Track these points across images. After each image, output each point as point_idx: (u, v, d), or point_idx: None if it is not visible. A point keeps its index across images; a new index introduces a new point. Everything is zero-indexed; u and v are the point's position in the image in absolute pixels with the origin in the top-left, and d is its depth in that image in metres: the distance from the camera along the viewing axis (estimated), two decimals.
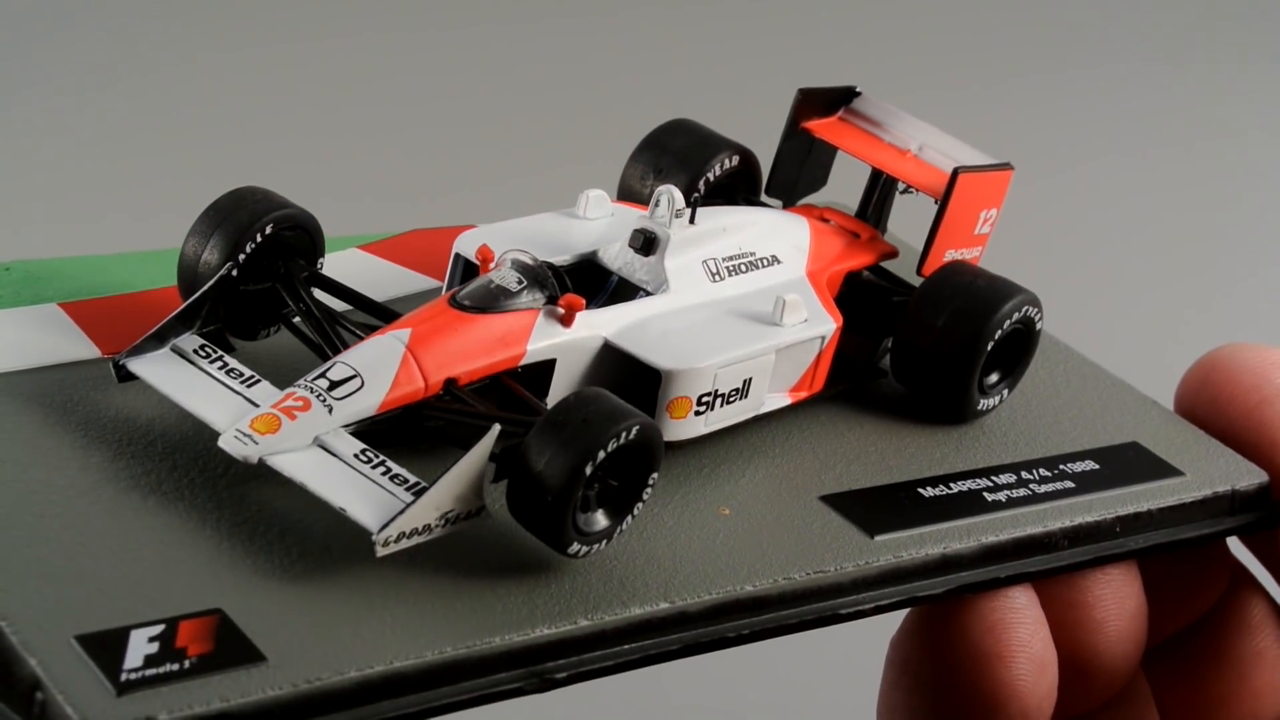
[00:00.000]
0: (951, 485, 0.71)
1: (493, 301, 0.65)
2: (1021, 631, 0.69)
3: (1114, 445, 0.76)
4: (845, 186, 0.82)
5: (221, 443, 0.60)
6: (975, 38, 1.59)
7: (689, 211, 0.70)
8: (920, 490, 0.70)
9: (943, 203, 0.76)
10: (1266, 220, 1.57)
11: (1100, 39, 1.63)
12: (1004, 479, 0.72)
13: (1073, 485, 0.72)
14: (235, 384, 0.63)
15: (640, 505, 0.62)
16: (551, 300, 0.65)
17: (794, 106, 0.80)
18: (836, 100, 0.81)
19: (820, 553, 0.65)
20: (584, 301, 0.66)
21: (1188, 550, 0.75)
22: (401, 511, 0.58)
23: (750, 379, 0.68)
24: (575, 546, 0.60)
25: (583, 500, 0.60)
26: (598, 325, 0.67)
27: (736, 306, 0.70)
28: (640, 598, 0.61)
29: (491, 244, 0.67)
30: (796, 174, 0.81)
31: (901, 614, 0.72)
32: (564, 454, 0.58)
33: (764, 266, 0.73)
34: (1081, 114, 1.55)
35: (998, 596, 0.69)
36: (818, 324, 0.71)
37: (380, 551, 0.58)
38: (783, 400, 0.71)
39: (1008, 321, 0.73)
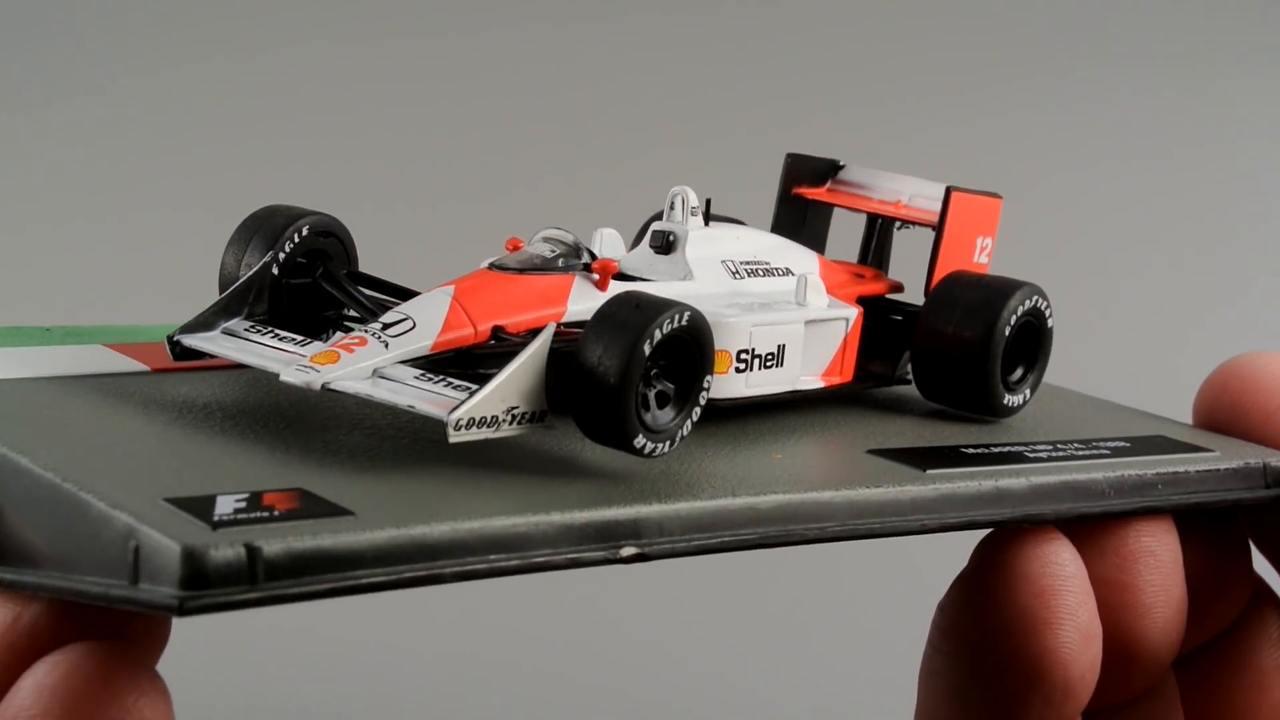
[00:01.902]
0: (992, 448, 0.72)
1: (530, 266, 0.67)
2: (1069, 599, 0.69)
3: (1143, 435, 0.77)
4: (843, 246, 0.85)
5: (284, 377, 0.61)
6: (976, 41, 1.59)
7: (702, 213, 0.73)
8: (964, 450, 0.71)
9: (940, 222, 0.79)
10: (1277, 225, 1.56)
11: (1118, 42, 1.63)
12: (1042, 448, 0.73)
13: (1108, 452, 0.74)
14: (289, 345, 0.64)
15: (699, 409, 0.63)
16: (587, 267, 0.67)
17: (784, 171, 0.84)
18: (824, 172, 0.85)
19: (878, 477, 0.66)
20: (617, 265, 0.68)
21: (1212, 563, 0.76)
22: (471, 395, 0.59)
23: (784, 345, 0.70)
24: (642, 440, 0.61)
25: (643, 399, 0.61)
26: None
27: (759, 294, 0.73)
28: (710, 493, 0.61)
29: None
30: (794, 237, 0.84)
31: (947, 580, 0.72)
32: (620, 338, 0.60)
33: (779, 275, 0.75)
34: (1087, 118, 1.53)
35: (1046, 564, 0.69)
36: (840, 308, 0.73)
37: (453, 436, 0.58)
38: (816, 382, 0.73)
39: (1019, 310, 0.75)
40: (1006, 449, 0.72)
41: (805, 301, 0.72)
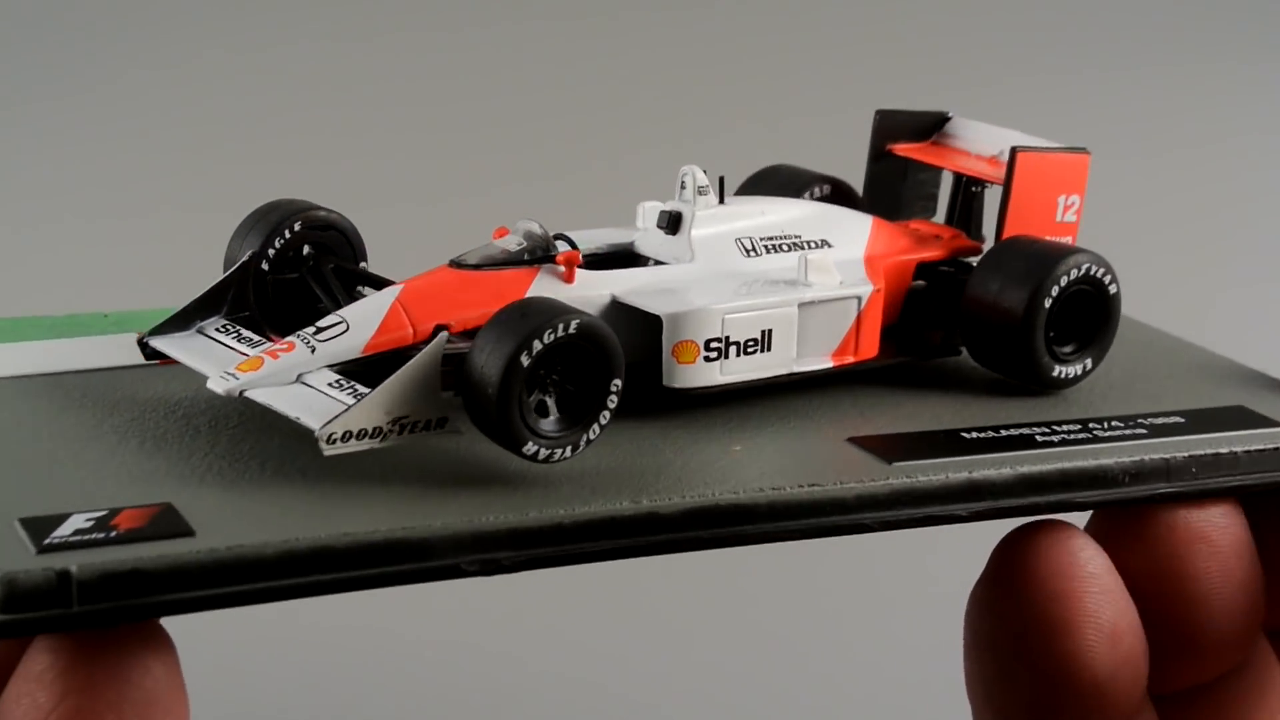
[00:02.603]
0: (1001, 431, 0.69)
1: (490, 261, 0.67)
2: (1090, 600, 0.66)
3: (1214, 407, 0.72)
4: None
5: (209, 384, 0.64)
6: (976, 41, 1.56)
7: (714, 192, 0.72)
8: (963, 434, 0.68)
9: (1005, 184, 0.75)
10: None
11: (1118, 42, 1.58)
12: (1067, 428, 0.69)
13: (1145, 432, 0.69)
14: (241, 346, 0.67)
15: (607, 414, 0.62)
16: (551, 259, 0.68)
17: (874, 129, 0.81)
18: (926, 127, 0.82)
19: (822, 472, 0.64)
20: (579, 256, 0.68)
21: None
22: (345, 410, 0.60)
23: (770, 330, 0.69)
24: (531, 446, 0.61)
25: (539, 404, 0.61)
26: (607, 284, 0.68)
27: (765, 274, 0.71)
28: (607, 497, 0.61)
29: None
30: (892, 198, 0.82)
31: (969, 576, 0.70)
32: (501, 345, 0.60)
33: (811, 248, 0.73)
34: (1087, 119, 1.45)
35: (1064, 563, 0.66)
36: (852, 285, 0.71)
37: (325, 449, 0.60)
38: (823, 363, 0.71)
39: (1065, 278, 0.71)
40: (1018, 432, 0.69)
41: (809, 280, 0.70)
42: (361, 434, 0.60)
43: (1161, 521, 0.68)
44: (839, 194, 0.82)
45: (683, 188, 0.72)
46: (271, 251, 0.70)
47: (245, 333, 0.68)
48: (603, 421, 0.62)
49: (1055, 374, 0.73)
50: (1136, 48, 1.57)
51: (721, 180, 0.73)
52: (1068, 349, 0.73)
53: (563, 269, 0.67)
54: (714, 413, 0.69)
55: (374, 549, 0.57)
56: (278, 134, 1.39)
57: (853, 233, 0.75)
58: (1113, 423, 0.70)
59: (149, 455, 0.63)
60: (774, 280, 0.71)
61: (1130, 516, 0.68)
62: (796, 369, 0.70)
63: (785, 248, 0.73)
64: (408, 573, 0.58)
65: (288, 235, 0.70)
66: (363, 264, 0.72)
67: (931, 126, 0.82)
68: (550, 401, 0.62)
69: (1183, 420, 0.71)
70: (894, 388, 0.73)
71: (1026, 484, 0.66)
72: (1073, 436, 0.69)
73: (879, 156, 0.81)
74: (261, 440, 0.64)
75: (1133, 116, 1.52)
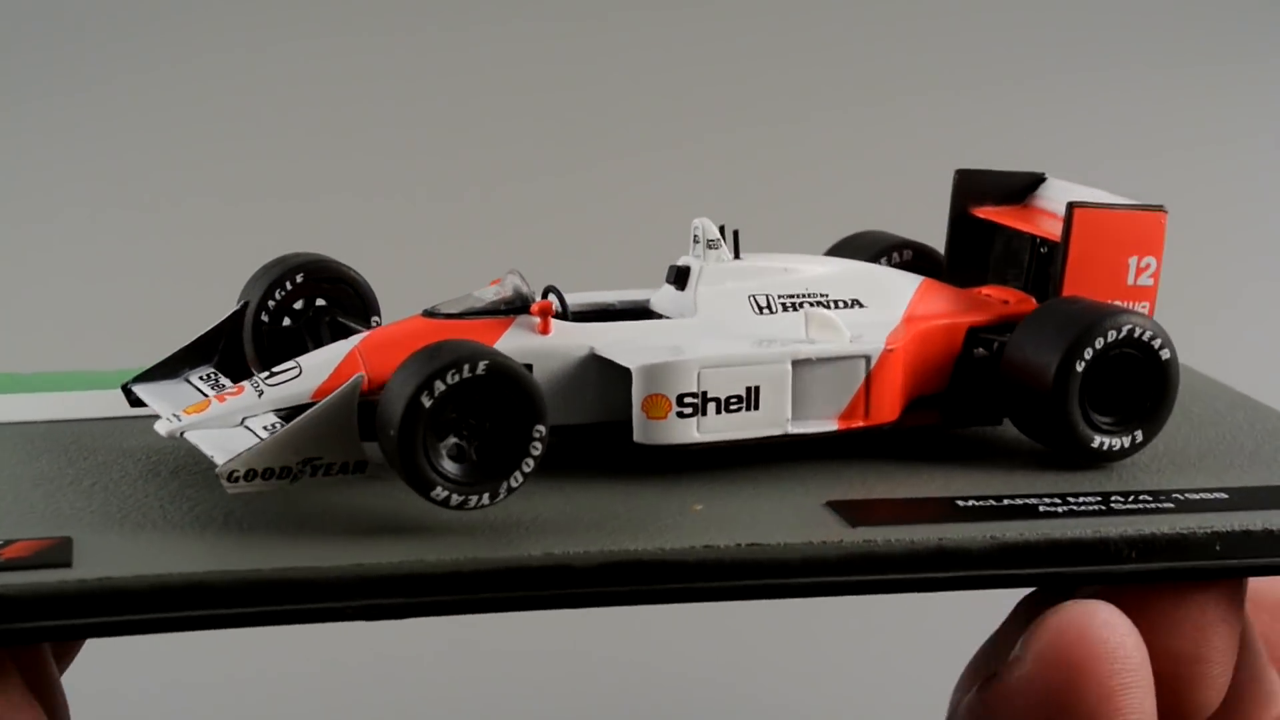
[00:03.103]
0: (1004, 500, 0.63)
1: (465, 311, 0.66)
2: (1129, 698, 0.60)
3: (1269, 485, 0.66)
4: None
5: (155, 425, 0.63)
6: (974, 41, 1.45)
7: (726, 244, 0.69)
8: (959, 502, 0.63)
9: (1063, 243, 0.70)
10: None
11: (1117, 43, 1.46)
12: (1085, 500, 0.63)
13: (1172, 507, 0.63)
14: (210, 391, 0.66)
15: (530, 461, 0.60)
16: (527, 310, 0.65)
17: (954, 190, 0.77)
18: (1018, 189, 0.77)
19: (773, 533, 0.60)
20: (552, 306, 0.65)
21: None
22: (248, 449, 0.59)
23: (757, 388, 0.65)
24: (440, 491, 0.59)
25: (455, 448, 0.59)
26: (588, 336, 0.66)
27: (769, 332, 0.68)
28: (521, 545, 0.58)
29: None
30: (978, 263, 0.77)
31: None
32: (405, 386, 0.58)
33: (839, 307, 0.69)
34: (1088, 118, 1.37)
35: (1105, 652, 0.60)
36: (861, 344, 0.67)
37: (228, 487, 0.59)
38: (827, 425, 0.67)
39: (1101, 340, 0.66)
40: (1022, 502, 0.63)
41: (811, 337, 0.66)
42: (268, 474, 0.59)
43: (1195, 600, 0.62)
44: (922, 259, 0.78)
45: (695, 241, 0.69)
46: (271, 303, 0.70)
47: (227, 381, 0.67)
48: (525, 469, 0.60)
49: (1097, 445, 0.67)
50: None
51: (736, 234, 0.70)
52: (1110, 419, 0.67)
53: (537, 320, 0.65)
54: (698, 472, 0.65)
55: (251, 586, 0.56)
56: (307, 189, 1.40)
57: (893, 294, 0.71)
58: (1141, 496, 0.64)
59: (87, 496, 0.63)
60: (772, 337, 0.67)
61: (1162, 593, 0.62)
62: (793, 430, 0.66)
63: (807, 306, 0.69)
64: (286, 613, 0.56)
65: (289, 287, 0.70)
66: (375, 319, 0.71)
67: (1024, 189, 0.77)
68: (469, 447, 0.59)
69: (1226, 496, 0.64)
70: (919, 456, 0.68)
71: (1006, 553, 0.60)
72: (1082, 508, 0.63)
73: (961, 220, 0.76)
74: (214, 485, 0.63)
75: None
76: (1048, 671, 0.60)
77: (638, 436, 0.64)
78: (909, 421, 0.69)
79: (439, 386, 0.58)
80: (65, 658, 0.65)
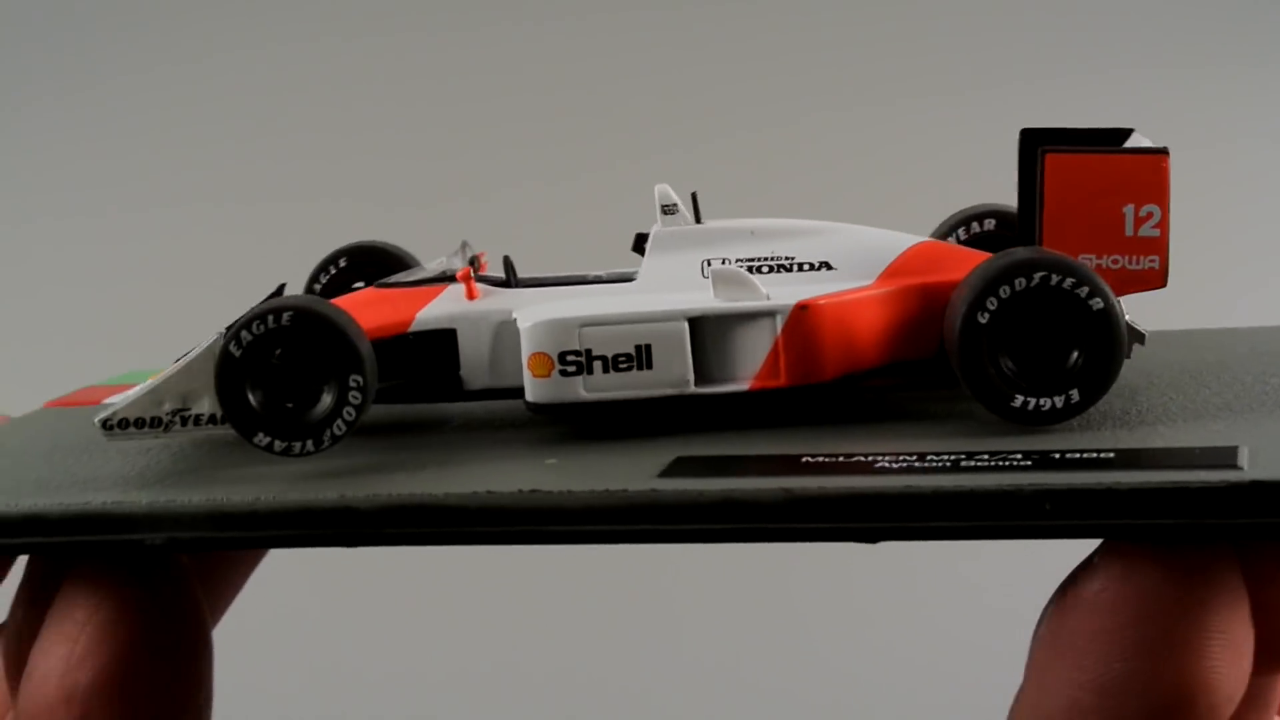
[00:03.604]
0: (853, 456, 0.60)
1: (407, 280, 0.69)
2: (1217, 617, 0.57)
3: (1196, 447, 0.58)
4: None
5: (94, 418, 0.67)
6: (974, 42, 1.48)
7: (680, 208, 0.69)
8: (804, 459, 0.60)
9: (1038, 193, 0.65)
10: None
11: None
12: (942, 460, 0.59)
13: (1029, 464, 0.58)
14: None
15: (351, 409, 0.62)
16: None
17: (1021, 152, 0.72)
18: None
19: (578, 481, 0.59)
20: (469, 271, 0.67)
21: None
22: (125, 401, 0.65)
23: (648, 346, 0.64)
24: (262, 437, 0.62)
25: (269, 397, 0.63)
26: (513, 301, 0.67)
27: (695, 294, 0.67)
28: (320, 489, 0.61)
29: None
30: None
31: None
32: (225, 336, 0.62)
33: (803, 270, 0.67)
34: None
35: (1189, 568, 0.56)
36: (766, 301, 0.65)
37: (105, 436, 0.65)
38: (739, 385, 0.65)
39: (1005, 289, 0.61)
40: (865, 459, 0.59)
41: (730, 297, 0.65)
42: (140, 423, 0.65)
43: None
44: (1008, 227, 0.73)
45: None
46: (317, 287, 0.75)
47: None
48: (347, 418, 0.62)
49: (1019, 405, 0.61)
50: None
51: (694, 197, 0.69)
52: (1035, 377, 0.61)
53: (463, 285, 0.67)
54: (605, 431, 0.66)
55: (75, 520, 0.61)
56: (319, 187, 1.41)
57: (873, 256, 0.67)
58: (1013, 455, 0.59)
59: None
60: (678, 295, 0.66)
61: None
62: (699, 390, 0.65)
63: (768, 269, 0.67)
64: (101, 544, 0.61)
65: (332, 271, 0.75)
66: None
67: (1103, 143, 0.71)
68: (324, 394, 0.63)
69: (1113, 455, 0.58)
70: (858, 417, 0.65)
71: (795, 505, 0.57)
72: (928, 465, 0.58)
73: (1028, 179, 0.71)
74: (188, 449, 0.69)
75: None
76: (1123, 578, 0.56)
77: (528, 396, 0.65)
78: (873, 382, 0.65)
79: (245, 336, 0.62)
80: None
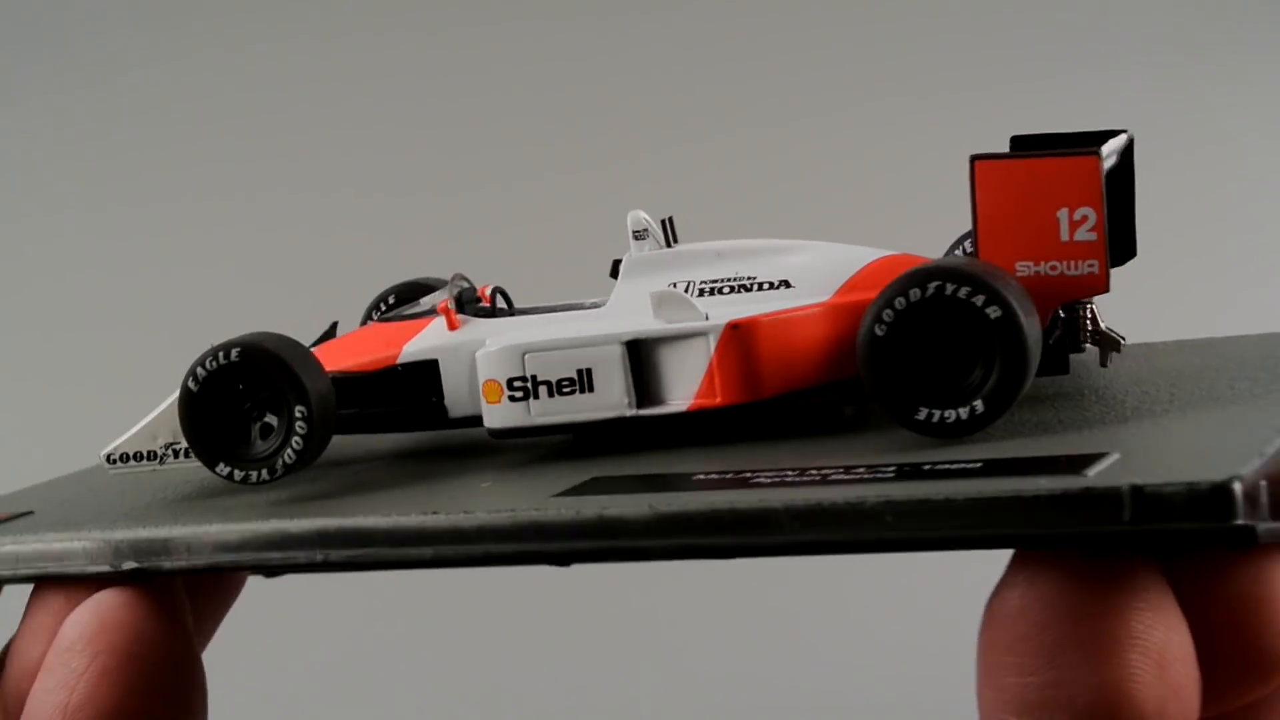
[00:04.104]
0: (742, 473, 0.61)
1: (402, 314, 0.72)
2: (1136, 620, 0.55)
3: (1070, 455, 0.57)
4: None
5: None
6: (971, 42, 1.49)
7: (653, 233, 0.70)
8: (696, 477, 0.61)
9: (971, 201, 0.64)
10: None
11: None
12: (824, 473, 0.59)
13: (892, 474, 0.58)
14: None
15: (298, 439, 0.66)
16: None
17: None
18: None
19: (482, 504, 0.62)
20: (446, 304, 0.70)
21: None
22: (126, 435, 0.70)
23: (589, 370, 0.66)
24: (223, 467, 0.67)
25: (249, 429, 0.67)
26: (489, 331, 0.70)
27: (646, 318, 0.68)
28: (261, 516, 0.64)
29: None
30: None
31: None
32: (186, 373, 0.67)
33: (762, 289, 0.68)
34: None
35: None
36: (699, 322, 0.66)
37: (109, 469, 0.70)
38: (678, 406, 0.66)
39: (900, 301, 0.61)
40: (749, 476, 0.60)
41: (669, 319, 0.66)
42: (139, 456, 0.70)
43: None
44: None
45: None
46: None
47: None
48: (295, 447, 0.66)
49: (924, 418, 0.61)
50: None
51: (666, 222, 0.70)
52: (946, 389, 0.61)
53: (444, 318, 0.70)
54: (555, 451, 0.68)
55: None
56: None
57: (834, 272, 0.68)
58: (883, 467, 0.58)
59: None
60: (617, 319, 0.67)
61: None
62: (642, 411, 0.66)
63: (729, 290, 0.68)
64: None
65: (383, 308, 0.79)
66: None
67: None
68: (255, 428, 0.67)
69: (979, 467, 0.57)
70: (817, 431, 0.66)
71: (667, 524, 0.58)
72: (798, 480, 0.59)
73: None
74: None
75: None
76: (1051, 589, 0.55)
77: (485, 422, 0.68)
78: (821, 398, 0.66)
79: (200, 372, 0.66)
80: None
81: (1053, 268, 0.63)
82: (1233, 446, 0.55)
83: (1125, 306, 0.69)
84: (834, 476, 0.58)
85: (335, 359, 0.71)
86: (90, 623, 0.64)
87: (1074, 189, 0.62)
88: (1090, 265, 0.63)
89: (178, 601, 0.66)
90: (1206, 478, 0.51)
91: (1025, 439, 0.60)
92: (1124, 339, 0.67)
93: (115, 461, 0.70)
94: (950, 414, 0.60)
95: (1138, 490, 0.52)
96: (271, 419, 0.67)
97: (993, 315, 0.60)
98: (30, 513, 0.70)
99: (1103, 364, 0.67)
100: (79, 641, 0.64)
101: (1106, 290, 0.63)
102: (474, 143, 1.54)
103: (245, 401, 0.67)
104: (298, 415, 0.66)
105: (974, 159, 0.63)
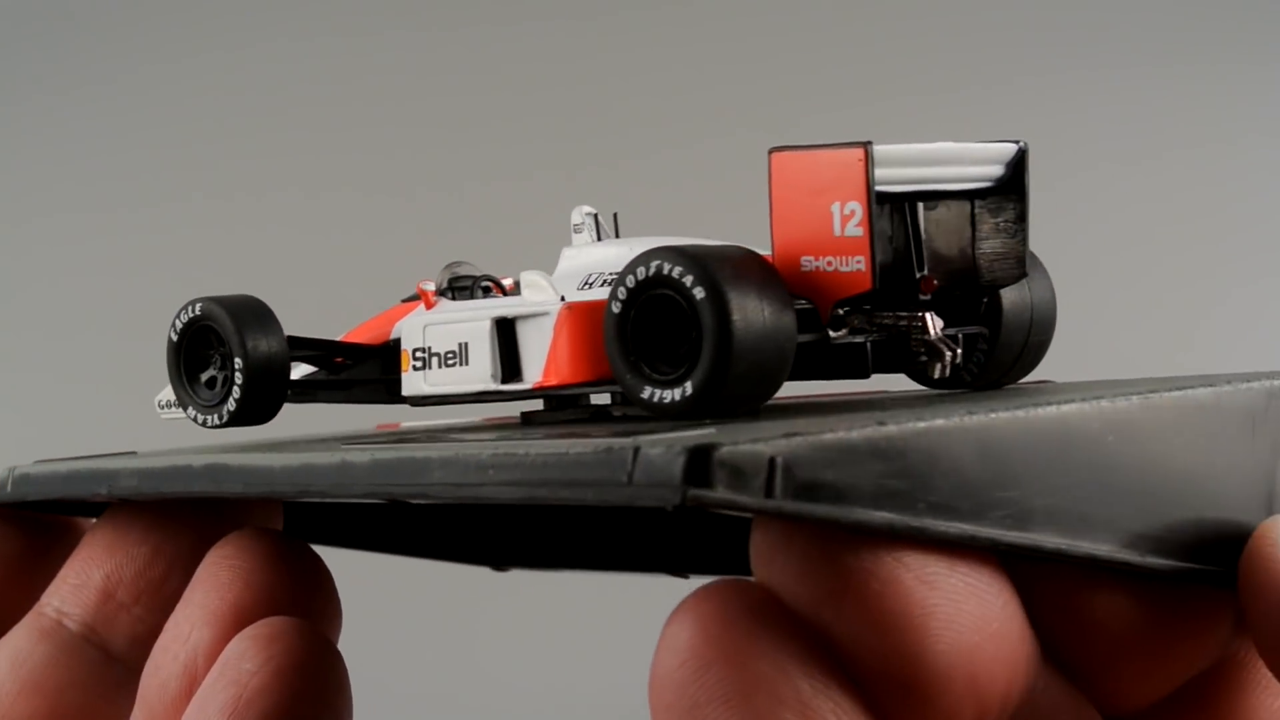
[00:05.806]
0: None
1: (413, 297, 0.76)
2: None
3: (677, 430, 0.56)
4: None
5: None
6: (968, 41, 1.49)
7: (587, 227, 0.72)
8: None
9: (769, 193, 0.64)
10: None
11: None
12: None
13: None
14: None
15: (236, 388, 0.71)
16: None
17: None
18: None
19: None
20: (420, 286, 0.74)
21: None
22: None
23: (466, 344, 0.70)
24: (191, 411, 0.73)
25: (210, 379, 0.73)
26: (450, 312, 0.72)
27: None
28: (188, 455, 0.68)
29: None
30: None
31: None
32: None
33: None
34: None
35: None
36: (542, 304, 0.68)
37: (160, 413, 0.77)
38: (527, 384, 0.68)
39: (631, 279, 0.62)
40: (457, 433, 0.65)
41: (529, 299, 0.68)
42: (174, 404, 0.76)
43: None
44: None
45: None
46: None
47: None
48: (235, 397, 0.71)
49: (647, 397, 0.61)
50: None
51: (615, 217, 0.72)
52: (665, 371, 0.61)
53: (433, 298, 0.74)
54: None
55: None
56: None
57: None
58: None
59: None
60: (514, 301, 0.69)
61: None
62: (504, 386, 0.69)
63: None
64: None
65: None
66: None
67: None
68: (219, 378, 0.73)
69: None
70: None
71: (349, 471, 0.59)
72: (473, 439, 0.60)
73: None
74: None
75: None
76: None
77: (402, 390, 0.72)
78: None
79: (177, 325, 0.73)
80: None
81: (828, 263, 0.62)
82: (802, 431, 0.51)
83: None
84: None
85: (363, 332, 0.76)
86: (262, 631, 0.64)
87: (844, 182, 0.61)
88: (857, 262, 0.61)
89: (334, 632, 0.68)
90: (701, 443, 0.49)
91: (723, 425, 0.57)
92: (955, 349, 0.64)
93: (163, 407, 0.77)
94: (666, 395, 0.61)
95: (638, 451, 0.50)
96: (225, 371, 0.72)
97: (698, 296, 0.59)
98: (133, 453, 0.75)
99: (930, 374, 0.64)
100: (251, 646, 0.63)
101: (872, 288, 0.61)
102: (474, 143, 1.55)
103: (211, 352, 0.73)
104: (236, 368, 0.71)
105: (770, 151, 0.63)
